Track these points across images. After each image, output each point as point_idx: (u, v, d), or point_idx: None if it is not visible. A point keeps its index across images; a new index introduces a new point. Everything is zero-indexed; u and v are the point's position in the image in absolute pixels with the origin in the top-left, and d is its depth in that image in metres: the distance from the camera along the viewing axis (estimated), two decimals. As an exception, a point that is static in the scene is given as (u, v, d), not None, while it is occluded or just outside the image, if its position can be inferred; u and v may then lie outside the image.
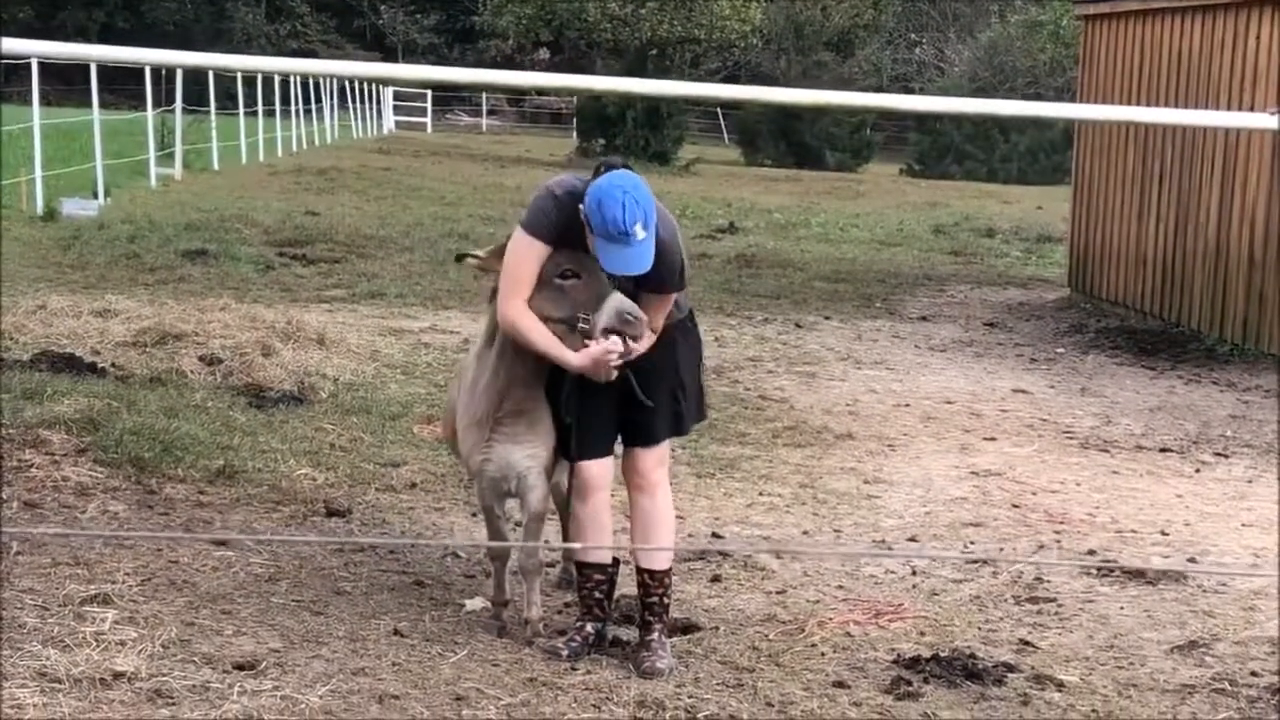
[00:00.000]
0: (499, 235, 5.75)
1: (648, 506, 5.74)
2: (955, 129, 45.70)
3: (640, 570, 5.77)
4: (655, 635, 5.69)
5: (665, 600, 5.75)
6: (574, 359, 5.40)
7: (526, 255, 5.46)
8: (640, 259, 5.30)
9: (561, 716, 5.13)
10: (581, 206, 5.36)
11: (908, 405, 10.79)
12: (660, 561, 5.73)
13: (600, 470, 5.72)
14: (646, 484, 5.73)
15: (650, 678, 5.49)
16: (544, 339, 5.41)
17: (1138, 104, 15.60)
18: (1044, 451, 9.59)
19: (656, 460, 5.74)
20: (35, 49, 3.45)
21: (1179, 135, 14.89)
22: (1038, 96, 47.69)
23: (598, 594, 5.80)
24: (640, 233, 5.24)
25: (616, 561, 5.91)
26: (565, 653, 5.65)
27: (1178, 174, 14.97)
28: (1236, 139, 13.70)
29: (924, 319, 15.21)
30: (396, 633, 5.75)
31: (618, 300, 5.39)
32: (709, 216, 24.60)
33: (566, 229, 5.44)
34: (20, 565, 6.13)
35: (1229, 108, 13.77)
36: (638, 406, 5.63)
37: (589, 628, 5.77)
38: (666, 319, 5.63)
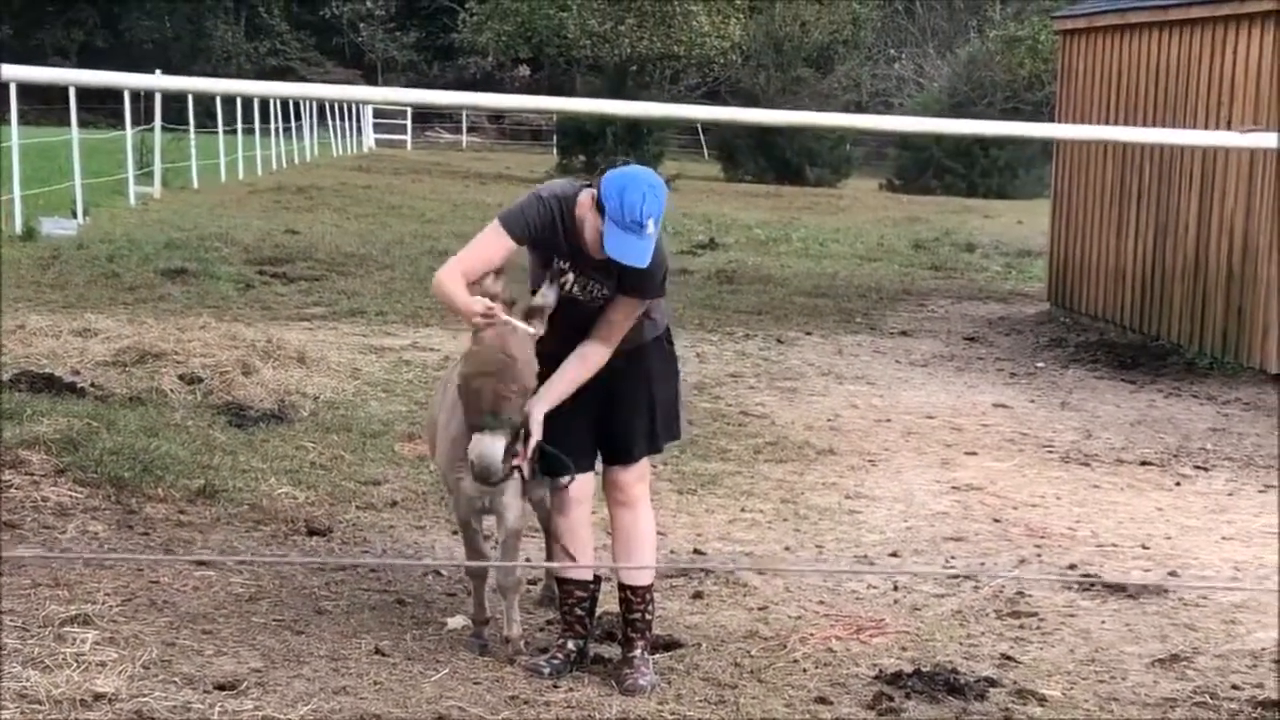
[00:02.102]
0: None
1: (629, 522, 5.75)
2: (935, 144, 45.74)
3: (622, 586, 5.76)
4: (637, 652, 5.69)
5: (647, 617, 5.75)
6: (464, 302, 5.45)
7: (489, 243, 5.58)
8: (643, 252, 5.36)
9: (544, 734, 5.13)
10: (592, 191, 5.43)
11: (889, 420, 10.80)
12: (642, 578, 5.73)
13: (580, 486, 5.72)
14: (628, 499, 5.74)
15: (632, 695, 5.49)
16: (454, 292, 5.47)
17: (1116, 118, 15.67)
18: (1024, 466, 9.61)
19: (636, 476, 5.75)
20: (33, 75, 3.43)
21: (1157, 150, 14.94)
22: (1016, 111, 47.80)
23: (579, 611, 5.79)
24: (650, 227, 5.34)
25: (598, 579, 5.90)
26: (547, 670, 5.64)
27: (1156, 188, 15.03)
28: (1214, 154, 13.76)
29: (905, 334, 15.23)
30: (378, 651, 5.74)
31: (476, 452, 5.32)
32: (689, 232, 24.62)
33: (543, 232, 5.53)
34: (-1, 586, 6.11)
35: (1206, 123, 13.83)
36: (615, 423, 5.65)
37: (570, 645, 5.76)
38: (641, 338, 5.66)
